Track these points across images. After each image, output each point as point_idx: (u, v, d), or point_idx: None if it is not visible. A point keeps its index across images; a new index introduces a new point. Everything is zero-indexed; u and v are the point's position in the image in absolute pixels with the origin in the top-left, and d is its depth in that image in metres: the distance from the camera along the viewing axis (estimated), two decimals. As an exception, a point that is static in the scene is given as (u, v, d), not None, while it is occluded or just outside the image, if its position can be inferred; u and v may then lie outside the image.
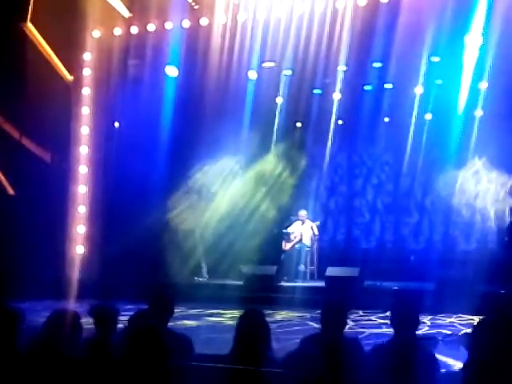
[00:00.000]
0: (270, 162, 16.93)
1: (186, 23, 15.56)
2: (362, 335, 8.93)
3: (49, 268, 13.92)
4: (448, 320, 10.59)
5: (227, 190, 16.10)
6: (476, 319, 9.42)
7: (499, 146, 14.33)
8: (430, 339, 5.24)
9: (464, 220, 15.26)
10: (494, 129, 14.02)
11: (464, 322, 10.25)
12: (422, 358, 4.49)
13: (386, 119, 16.24)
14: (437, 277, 12.31)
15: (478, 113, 14.82)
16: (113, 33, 15.94)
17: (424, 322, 9.73)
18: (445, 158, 14.77)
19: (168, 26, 15.59)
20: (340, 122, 16.46)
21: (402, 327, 4.88)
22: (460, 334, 8.76)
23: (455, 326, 10.07)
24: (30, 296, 11.12)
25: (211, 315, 11.64)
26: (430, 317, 10.48)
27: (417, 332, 4.96)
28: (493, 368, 2.04)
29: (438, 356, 5.08)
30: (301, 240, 15.39)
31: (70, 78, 16.14)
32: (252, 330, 4.41)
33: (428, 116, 15.75)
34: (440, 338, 7.64)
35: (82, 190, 15.96)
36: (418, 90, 15.34)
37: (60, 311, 4.52)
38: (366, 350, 5.10)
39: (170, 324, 5.26)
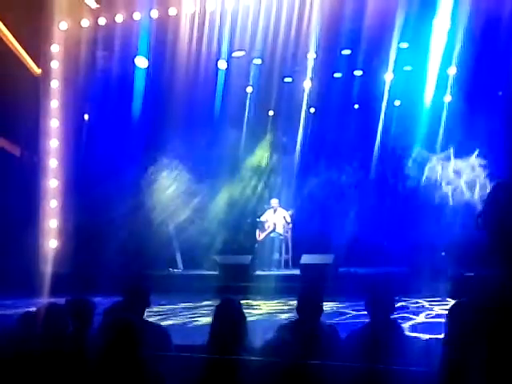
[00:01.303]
0: (243, 152, 16.92)
1: (155, 13, 15.44)
2: (339, 321, 8.97)
3: (23, 263, 13.80)
4: (422, 303, 10.70)
5: (200, 181, 16.05)
6: (449, 302, 9.60)
7: (468, 131, 14.45)
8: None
9: (435, 204, 15.38)
10: (462, 114, 14.15)
11: (438, 305, 10.37)
12: (397, 342, 4.55)
13: (356, 106, 16.32)
14: (410, 261, 12.41)
15: (447, 98, 14.95)
16: (80, 24, 15.77)
17: (399, 306, 9.80)
18: (414, 144, 14.85)
19: (136, 16, 15.46)
20: (312, 109, 16.52)
21: (377, 312, 4.93)
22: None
23: (430, 309, 10.19)
24: (3, 292, 11.04)
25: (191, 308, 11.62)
26: (404, 301, 10.59)
27: (392, 316, 5.02)
28: (467, 349, 2.08)
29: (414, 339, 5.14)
30: (274, 229, 15.41)
31: (38, 70, 15.95)
32: (229, 320, 4.42)
33: (397, 102, 15.85)
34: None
35: (53, 183, 15.81)
36: (388, 76, 15.42)
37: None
38: (342, 335, 5.15)
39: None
